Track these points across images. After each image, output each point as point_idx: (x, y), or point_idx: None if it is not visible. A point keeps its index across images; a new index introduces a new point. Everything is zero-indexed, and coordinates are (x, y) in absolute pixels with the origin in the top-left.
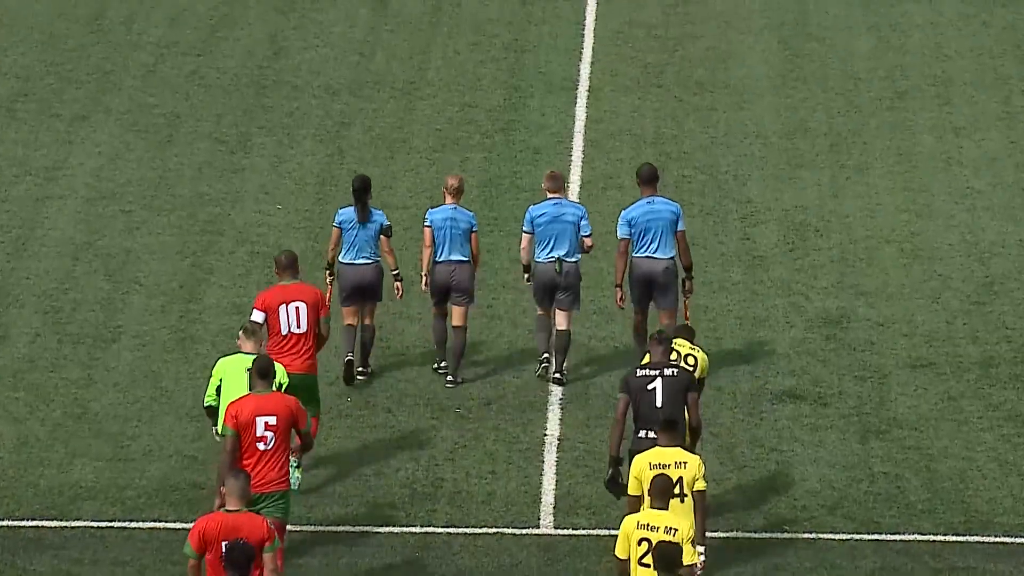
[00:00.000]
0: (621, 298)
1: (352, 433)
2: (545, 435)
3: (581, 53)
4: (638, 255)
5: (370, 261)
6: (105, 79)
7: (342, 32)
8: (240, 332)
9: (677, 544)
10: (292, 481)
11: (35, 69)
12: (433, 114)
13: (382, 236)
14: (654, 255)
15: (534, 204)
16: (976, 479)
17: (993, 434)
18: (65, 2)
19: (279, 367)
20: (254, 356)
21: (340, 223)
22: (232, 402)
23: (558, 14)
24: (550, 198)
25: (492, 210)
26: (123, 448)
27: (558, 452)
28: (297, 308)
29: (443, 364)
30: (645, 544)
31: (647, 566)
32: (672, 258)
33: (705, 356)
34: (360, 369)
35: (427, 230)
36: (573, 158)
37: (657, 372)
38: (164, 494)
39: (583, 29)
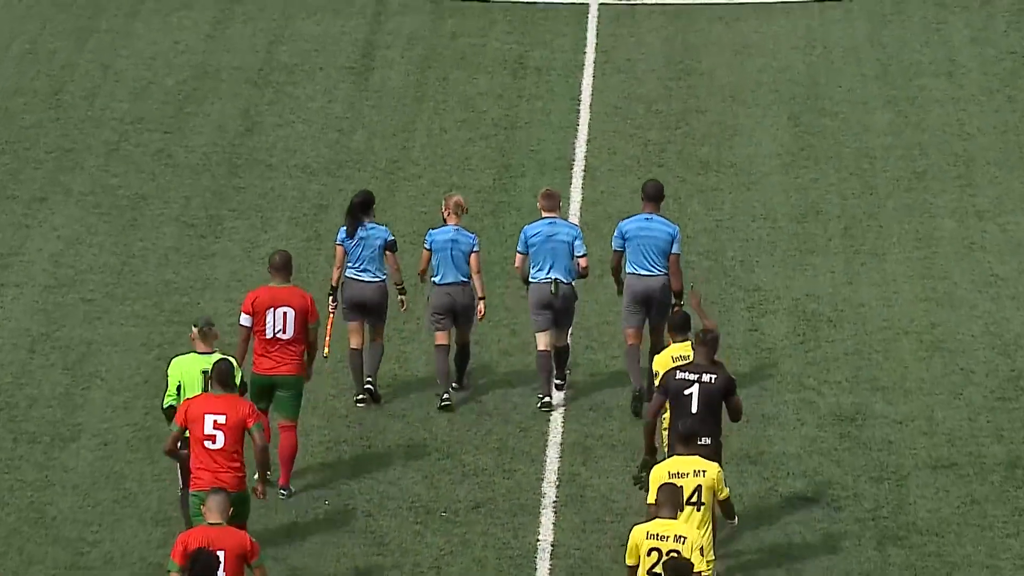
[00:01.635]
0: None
1: (330, 539)
2: (538, 541)
3: (576, 130)
4: (632, 272)
5: (373, 279)
6: (65, 158)
7: (320, 107)
8: (194, 329)
9: (687, 560)
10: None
11: None
12: (418, 195)
13: (387, 252)
14: (647, 273)
15: (529, 224)
16: None
17: (1020, 540)
18: (22, 76)
19: (233, 361)
20: (209, 355)
21: (341, 240)
22: (186, 400)
23: (552, 88)
24: (545, 217)
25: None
26: (83, 555)
27: (551, 560)
28: (285, 313)
29: (445, 397)
30: (655, 554)
31: (658, 575)
32: (667, 275)
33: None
34: (368, 386)
35: (425, 252)
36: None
37: (696, 378)
38: None
39: (578, 104)
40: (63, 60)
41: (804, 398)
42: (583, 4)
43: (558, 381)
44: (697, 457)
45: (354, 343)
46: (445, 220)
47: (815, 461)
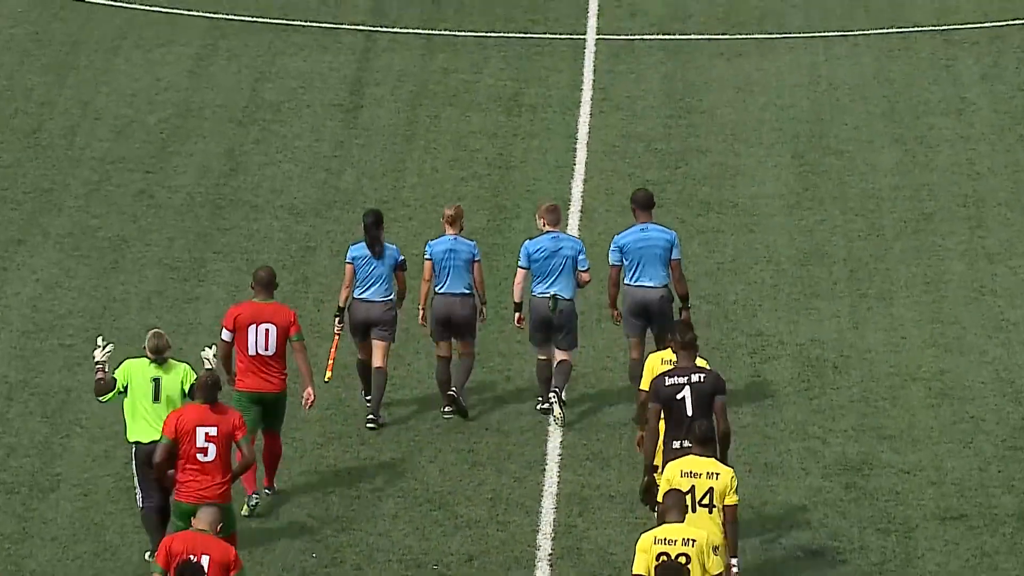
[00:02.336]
0: (617, 316)
1: None
2: None
3: (573, 170)
4: (630, 283)
5: (382, 298)
6: (43, 198)
7: (307, 146)
8: (146, 339)
9: (680, 564)
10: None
11: None
12: (409, 237)
13: (398, 272)
14: (647, 284)
15: (530, 239)
16: None
17: None
18: None
19: (182, 367)
20: (163, 364)
21: (353, 259)
22: (174, 411)
23: (547, 126)
24: (548, 232)
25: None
26: None
27: None
28: (267, 330)
29: (447, 409)
30: (664, 559)
31: None
32: (666, 286)
33: (704, 361)
34: (371, 417)
35: (427, 263)
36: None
37: (685, 379)
38: None
39: (575, 143)
40: (41, 97)
41: (808, 447)
42: (580, 39)
43: (556, 390)
44: (713, 459)
45: (362, 355)
46: (444, 230)
47: (820, 512)
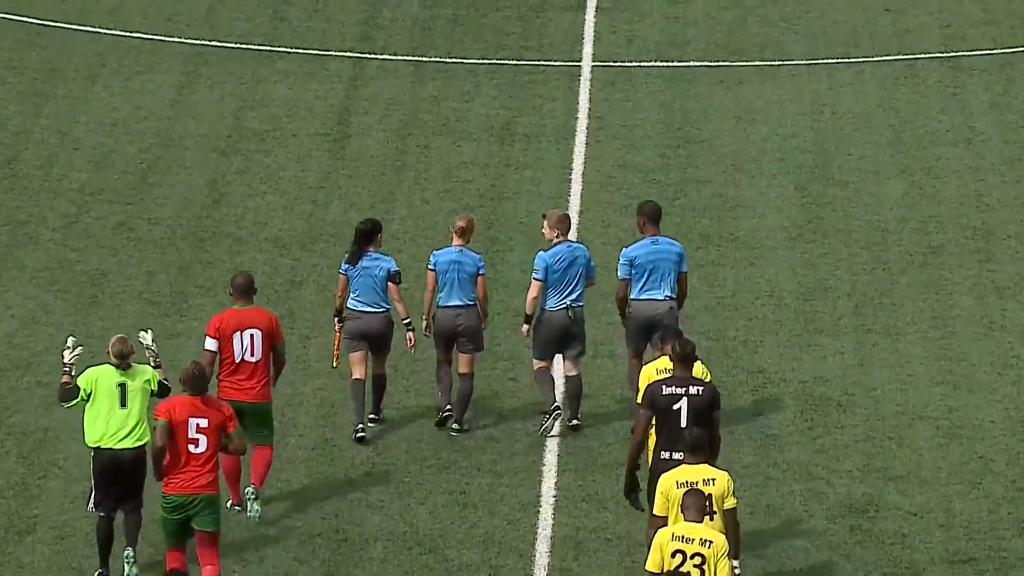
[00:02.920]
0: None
1: None
2: None
3: (568, 201)
4: (639, 297)
5: (376, 309)
6: (19, 231)
7: (293, 177)
8: (110, 345)
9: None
10: (252, 513)
11: None
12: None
13: (390, 283)
14: (656, 297)
15: (543, 251)
16: None
17: None
18: None
19: (147, 370)
20: (127, 369)
21: (345, 268)
22: (164, 401)
23: (541, 156)
24: (560, 242)
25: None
26: None
27: None
28: (252, 336)
29: (447, 408)
30: (679, 556)
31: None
32: (673, 298)
33: (702, 366)
34: (371, 416)
35: (430, 273)
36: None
37: (683, 391)
38: None
39: (570, 174)
40: (17, 126)
41: (812, 488)
42: (575, 66)
43: (576, 421)
44: (705, 466)
45: (357, 374)
46: (451, 241)
47: (824, 556)
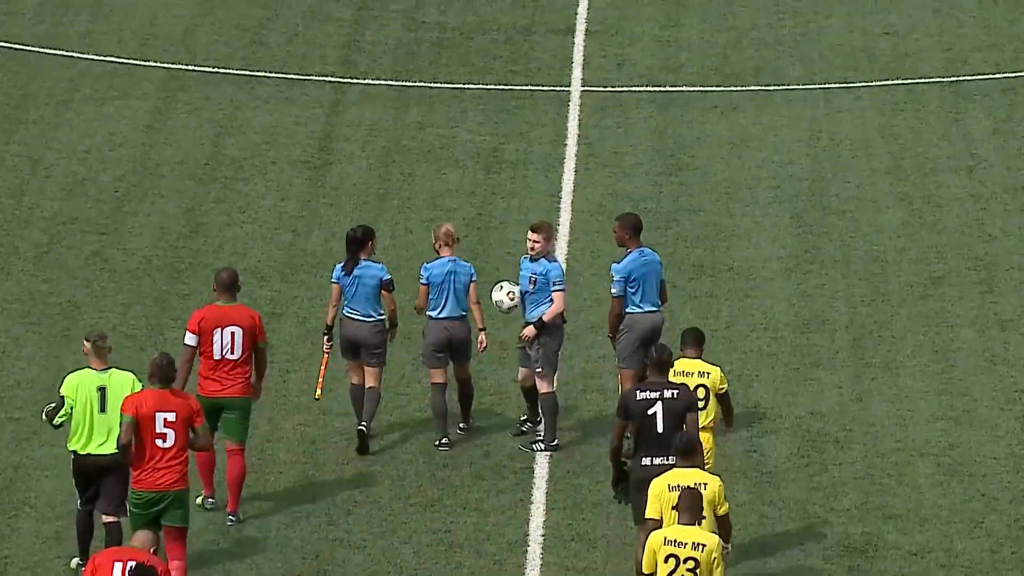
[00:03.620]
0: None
1: None
2: None
3: (557, 230)
4: (639, 311)
5: (367, 318)
6: None
7: (272, 206)
8: (87, 344)
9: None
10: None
11: None
12: None
13: (383, 292)
14: (653, 309)
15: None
16: None
17: None
18: None
19: (128, 376)
20: (104, 371)
21: (337, 278)
22: (131, 395)
23: (529, 184)
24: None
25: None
26: None
27: None
28: (233, 333)
29: (443, 441)
30: (672, 560)
31: None
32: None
33: (718, 369)
34: (361, 427)
35: (423, 288)
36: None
37: (657, 395)
38: None
39: (559, 202)
40: None
41: (809, 527)
42: (564, 91)
43: (555, 444)
44: (697, 470)
45: (355, 379)
46: (438, 252)
47: None
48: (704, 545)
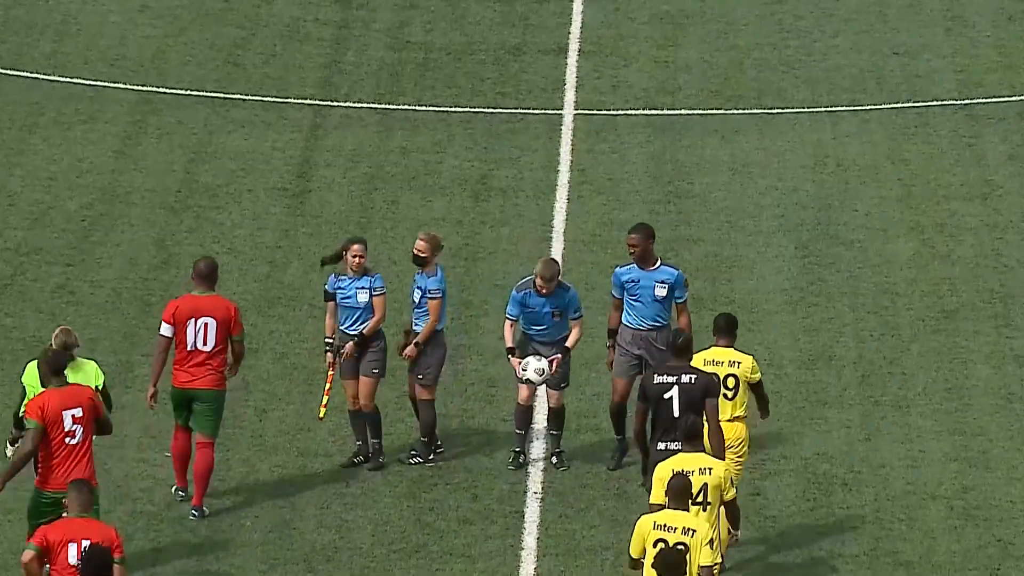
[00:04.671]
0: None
1: None
2: None
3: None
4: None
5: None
6: None
7: (248, 235)
8: (53, 337)
9: (678, 552)
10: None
11: None
12: None
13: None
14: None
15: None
16: None
17: None
18: None
19: (91, 365)
20: (69, 360)
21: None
22: (35, 396)
23: (520, 212)
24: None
25: (437, 457)
26: None
27: None
28: (206, 324)
29: (413, 454)
30: (661, 545)
31: None
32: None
33: (750, 357)
34: (360, 459)
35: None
36: (540, 393)
37: (674, 379)
38: None
39: (551, 231)
40: None
41: (815, 574)
42: (556, 114)
43: (559, 452)
44: (702, 454)
45: (351, 404)
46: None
47: None
48: (694, 531)
